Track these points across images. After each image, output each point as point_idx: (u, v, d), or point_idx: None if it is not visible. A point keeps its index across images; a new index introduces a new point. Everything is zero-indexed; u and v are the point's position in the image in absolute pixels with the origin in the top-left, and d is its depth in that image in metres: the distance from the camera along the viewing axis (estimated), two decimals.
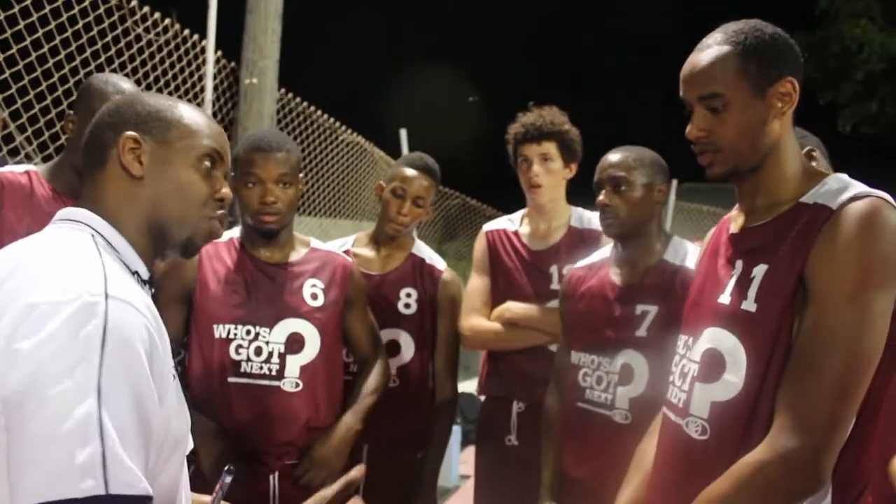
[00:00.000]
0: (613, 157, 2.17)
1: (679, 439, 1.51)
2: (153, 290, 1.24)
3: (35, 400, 0.92)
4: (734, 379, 1.41)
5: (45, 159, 3.39)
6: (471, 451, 5.84)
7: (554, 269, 2.61)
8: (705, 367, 1.48)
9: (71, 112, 2.17)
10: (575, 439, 2.19)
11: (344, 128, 6.38)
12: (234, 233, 2.32)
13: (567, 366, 2.26)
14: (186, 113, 1.27)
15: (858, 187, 1.40)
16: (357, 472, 1.34)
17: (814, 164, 1.94)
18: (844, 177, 1.46)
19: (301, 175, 2.26)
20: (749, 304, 1.42)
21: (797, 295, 1.36)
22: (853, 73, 15.27)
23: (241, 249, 2.26)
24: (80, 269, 1.05)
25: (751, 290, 1.42)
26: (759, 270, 1.42)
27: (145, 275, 1.21)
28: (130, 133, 1.22)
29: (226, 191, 1.28)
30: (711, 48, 1.46)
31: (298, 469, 2.17)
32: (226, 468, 1.45)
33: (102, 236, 1.16)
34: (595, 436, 2.13)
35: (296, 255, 2.28)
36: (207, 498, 1.35)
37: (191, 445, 1.24)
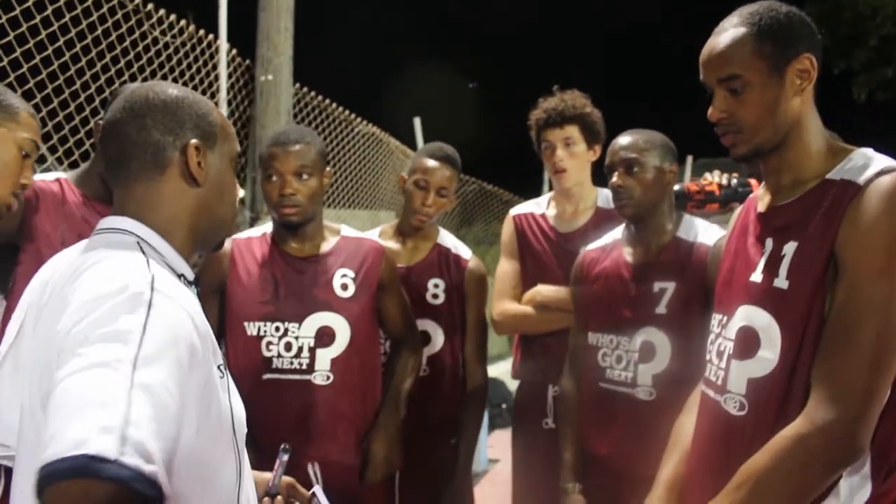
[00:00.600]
0: (624, 140, 2.20)
1: (718, 416, 1.54)
2: (198, 290, 1.28)
3: (76, 375, 0.92)
4: (769, 355, 1.44)
5: (72, 166, 3.44)
6: (497, 435, 5.94)
7: (583, 251, 2.63)
8: (740, 345, 1.51)
9: (99, 118, 2.21)
10: (599, 419, 2.22)
11: (359, 119, 6.41)
12: (268, 227, 2.36)
13: (583, 347, 2.29)
14: (220, 114, 1.30)
15: (884, 162, 1.42)
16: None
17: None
18: (870, 151, 1.48)
19: (328, 168, 2.30)
20: (781, 282, 1.44)
21: (828, 271, 1.38)
22: (867, 40, 15.07)
23: (271, 244, 2.30)
24: (128, 267, 1.08)
25: (782, 267, 1.45)
26: (790, 248, 1.45)
27: (191, 276, 1.24)
28: (196, 141, 1.23)
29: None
30: (728, 31, 1.48)
31: (366, 474, 2.24)
32: (282, 447, 1.53)
33: (147, 243, 1.19)
34: (619, 414, 2.16)
35: (326, 246, 2.31)
36: (268, 475, 1.40)
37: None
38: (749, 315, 1.50)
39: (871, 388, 1.31)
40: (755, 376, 1.47)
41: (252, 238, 2.33)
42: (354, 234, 2.40)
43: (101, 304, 1.00)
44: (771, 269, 1.47)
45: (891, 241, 1.33)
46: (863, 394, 1.31)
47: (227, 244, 2.30)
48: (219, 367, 1.18)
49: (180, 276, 1.21)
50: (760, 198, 1.60)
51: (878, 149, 1.48)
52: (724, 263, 1.67)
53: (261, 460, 1.67)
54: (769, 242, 1.50)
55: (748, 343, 1.49)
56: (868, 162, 1.42)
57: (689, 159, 9.98)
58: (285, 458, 1.54)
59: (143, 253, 1.15)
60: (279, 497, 1.48)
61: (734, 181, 2.35)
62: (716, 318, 1.63)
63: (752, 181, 2.32)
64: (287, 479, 1.53)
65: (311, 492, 1.56)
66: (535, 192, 2.75)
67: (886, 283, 1.32)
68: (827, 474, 1.35)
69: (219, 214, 1.29)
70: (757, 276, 1.50)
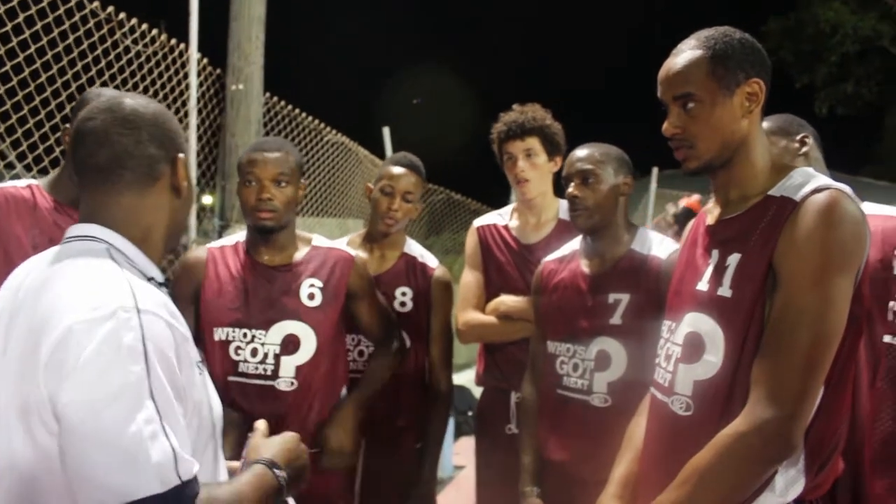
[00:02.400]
0: (581, 152, 2.28)
1: (666, 416, 1.63)
2: (169, 291, 1.34)
3: (95, 412, 1.03)
4: (713, 359, 1.54)
5: (42, 173, 3.45)
6: (463, 442, 5.99)
7: (543, 262, 2.68)
8: (687, 349, 1.60)
9: (67, 126, 2.24)
10: (555, 425, 2.28)
11: (328, 129, 6.46)
12: (241, 237, 2.42)
13: (542, 355, 2.35)
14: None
15: (821, 180, 1.52)
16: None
17: (805, 149, 2.07)
18: (809, 170, 1.59)
19: (302, 180, 2.36)
20: (724, 290, 1.54)
21: (767, 281, 1.48)
22: (828, 56, 15.43)
23: (245, 253, 2.35)
24: (109, 286, 1.14)
25: (725, 277, 1.55)
26: (733, 259, 1.55)
27: (160, 278, 1.30)
28: (182, 155, 1.31)
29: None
30: (684, 52, 1.59)
31: (322, 462, 2.26)
32: (250, 434, 1.59)
33: (118, 250, 1.24)
34: (574, 420, 2.22)
35: (297, 256, 2.36)
36: (236, 463, 1.46)
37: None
38: (695, 321, 1.60)
39: (804, 388, 1.42)
40: (700, 378, 1.56)
41: (226, 247, 2.39)
42: (326, 243, 2.45)
43: (93, 334, 1.06)
44: (716, 279, 1.57)
45: (823, 254, 1.43)
46: (797, 394, 1.41)
47: (203, 253, 2.37)
48: (198, 364, 1.25)
49: (150, 279, 1.26)
50: (710, 212, 1.70)
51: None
52: (675, 274, 1.77)
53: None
54: (715, 254, 1.60)
55: (694, 347, 1.58)
56: (806, 180, 1.53)
57: (655, 170, 10.14)
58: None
59: (114, 260, 1.21)
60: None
61: None
62: (666, 324, 1.72)
63: None
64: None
65: None
66: (503, 201, 2.80)
67: (819, 293, 1.42)
68: (764, 469, 1.44)
69: (183, 222, 1.39)
70: (703, 285, 1.60)
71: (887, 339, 1.56)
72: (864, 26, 14.76)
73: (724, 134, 1.56)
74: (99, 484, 1.01)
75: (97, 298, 1.10)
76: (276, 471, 1.30)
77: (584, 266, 2.31)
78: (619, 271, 2.25)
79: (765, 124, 2.15)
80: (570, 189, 2.26)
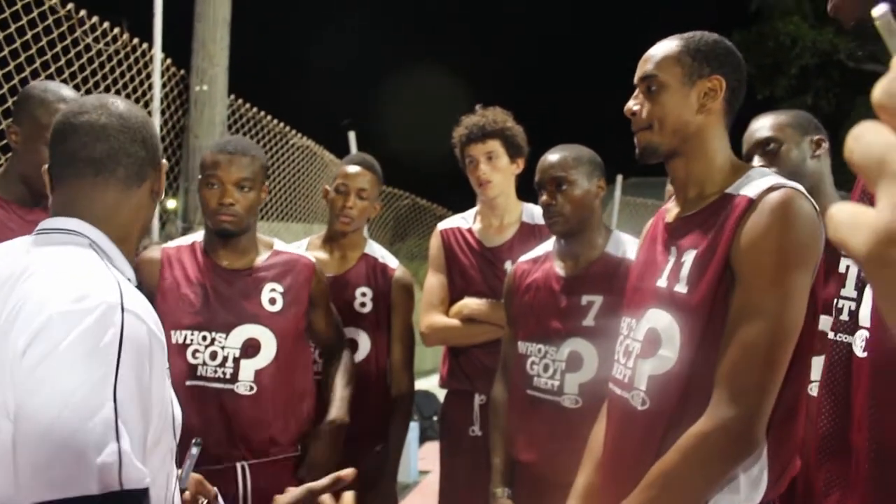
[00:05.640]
0: (553, 157, 2.26)
1: (626, 411, 1.65)
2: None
3: (55, 404, 1.01)
4: (669, 354, 1.56)
5: None
6: (428, 447, 5.99)
7: (508, 265, 2.68)
8: (646, 345, 1.62)
9: (10, 121, 2.18)
10: (525, 425, 2.27)
11: (294, 132, 6.42)
12: (198, 237, 2.37)
13: (513, 356, 2.35)
14: None
15: (776, 179, 1.55)
16: (348, 472, 1.39)
17: (819, 152, 2.12)
18: (766, 170, 1.63)
19: (266, 183, 2.33)
20: (681, 287, 1.56)
21: (724, 277, 1.50)
22: (788, 69, 15.74)
23: (203, 255, 2.31)
24: (96, 279, 1.13)
25: (682, 273, 1.57)
26: (689, 256, 1.57)
27: (135, 280, 1.29)
28: (165, 161, 1.35)
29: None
30: (662, 43, 1.67)
31: (299, 472, 2.24)
32: (194, 441, 1.57)
33: (99, 246, 1.23)
34: (544, 421, 2.22)
35: (257, 260, 2.32)
36: (178, 469, 1.44)
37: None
38: (654, 317, 1.62)
39: (764, 385, 1.44)
40: (655, 373, 1.58)
41: (182, 247, 2.34)
42: (286, 248, 2.43)
43: (74, 325, 1.05)
44: (673, 276, 1.59)
45: (780, 251, 1.45)
46: (757, 392, 1.43)
47: (157, 253, 2.31)
48: (167, 368, 1.25)
49: (128, 279, 1.25)
50: (669, 210, 1.73)
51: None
52: (633, 270, 1.79)
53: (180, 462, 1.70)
54: (673, 250, 1.63)
55: (651, 343, 1.60)
56: (762, 179, 1.55)
57: (619, 178, 10.24)
58: (194, 451, 1.58)
59: (98, 256, 1.20)
60: (187, 492, 1.53)
61: None
62: (625, 321, 1.73)
63: None
64: (195, 475, 1.58)
65: (214, 491, 1.60)
66: (468, 207, 2.80)
67: (777, 291, 1.44)
68: (729, 468, 1.46)
69: (148, 223, 1.40)
70: (662, 282, 1.62)
71: (830, 335, 1.60)
72: (823, 40, 15.08)
73: (676, 121, 1.61)
74: (40, 474, 0.99)
75: (82, 290, 1.09)
76: None
77: (558, 267, 2.31)
78: (593, 273, 2.25)
79: (782, 117, 2.19)
80: (544, 197, 2.25)
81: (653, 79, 1.63)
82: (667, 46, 1.65)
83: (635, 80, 1.68)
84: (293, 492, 1.37)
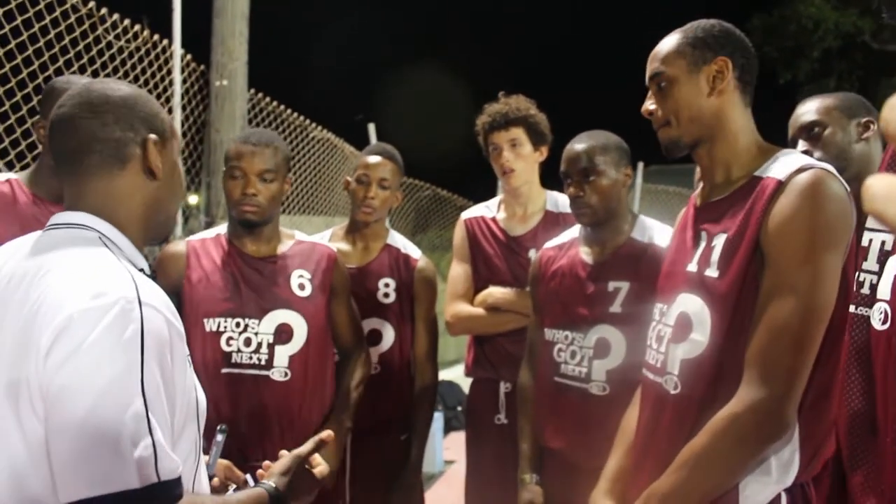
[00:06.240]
0: (579, 146, 2.23)
1: (659, 396, 1.65)
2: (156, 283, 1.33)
3: (87, 401, 1.02)
4: (700, 338, 1.55)
5: (25, 169, 3.41)
6: (453, 437, 6.00)
7: (532, 253, 2.67)
8: (677, 329, 1.61)
9: (38, 117, 2.21)
10: (553, 412, 2.27)
11: (314, 125, 6.43)
12: (221, 229, 2.39)
13: (540, 343, 2.34)
14: (166, 114, 1.35)
15: (804, 160, 1.53)
16: (328, 434, 1.57)
17: (867, 134, 2.08)
18: (794, 151, 1.61)
19: (289, 175, 2.35)
20: (712, 271, 1.55)
21: (754, 260, 1.49)
22: (810, 52, 15.55)
23: (228, 244, 2.33)
24: (111, 275, 1.13)
25: (713, 257, 1.56)
26: (719, 240, 1.56)
27: (148, 270, 1.29)
28: (154, 136, 1.27)
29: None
30: (664, 40, 1.68)
31: None
32: (219, 427, 1.58)
33: (109, 238, 1.23)
34: (572, 408, 2.22)
35: (282, 248, 2.35)
36: (205, 456, 1.46)
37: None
38: (685, 301, 1.61)
39: (795, 367, 1.43)
40: (688, 357, 1.57)
41: (206, 239, 2.36)
42: (308, 238, 2.45)
43: (95, 323, 1.05)
44: (704, 260, 1.58)
45: (810, 232, 1.44)
46: (788, 373, 1.42)
47: (182, 246, 2.34)
48: (187, 358, 1.24)
49: (140, 269, 1.25)
50: (699, 195, 1.72)
51: None
52: (666, 257, 1.79)
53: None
54: (703, 235, 1.62)
55: (683, 327, 1.60)
56: (791, 160, 1.54)
57: (641, 165, 10.17)
58: (220, 438, 1.59)
59: (108, 249, 1.20)
60: (216, 478, 1.54)
61: None
62: (657, 307, 1.73)
63: None
64: (223, 461, 1.59)
65: (244, 477, 1.61)
66: (489, 196, 2.80)
67: (807, 271, 1.43)
68: (760, 449, 1.45)
69: (170, 209, 1.36)
70: (693, 266, 1.61)
71: (851, 308, 1.58)
72: (846, 22, 14.89)
73: (691, 110, 1.62)
74: (78, 472, 1.00)
75: (98, 287, 1.09)
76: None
77: (584, 254, 2.30)
78: (620, 259, 2.24)
79: (829, 100, 2.14)
80: (571, 189, 2.23)
81: (661, 75, 1.65)
82: (668, 42, 1.67)
83: (646, 80, 1.69)
84: (284, 459, 1.47)
